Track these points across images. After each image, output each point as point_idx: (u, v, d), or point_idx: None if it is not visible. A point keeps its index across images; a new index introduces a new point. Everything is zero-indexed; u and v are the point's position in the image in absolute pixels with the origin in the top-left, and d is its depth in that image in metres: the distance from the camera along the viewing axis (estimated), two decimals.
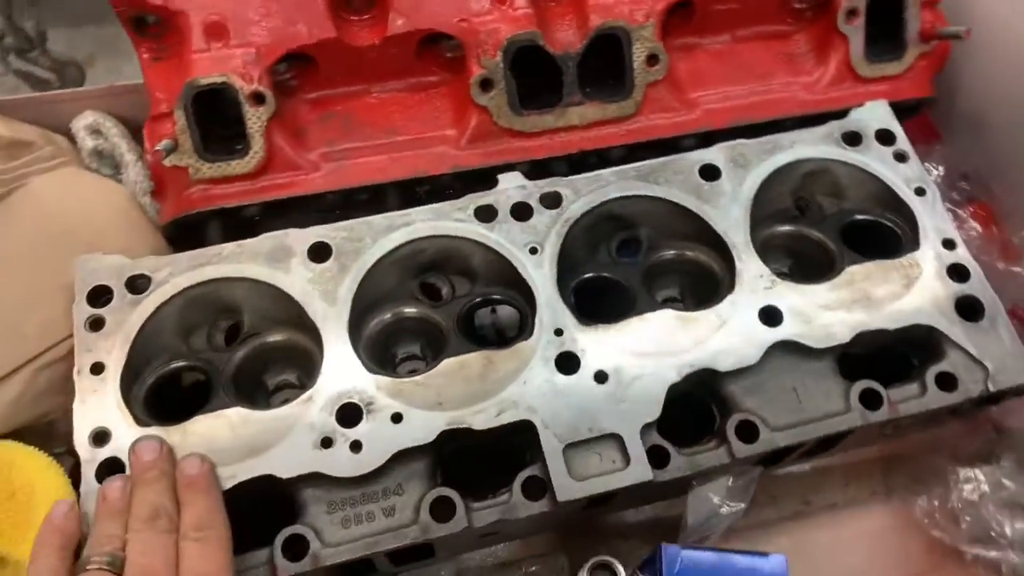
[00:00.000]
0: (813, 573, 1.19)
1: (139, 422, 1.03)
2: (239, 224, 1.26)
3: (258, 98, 1.17)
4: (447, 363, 1.07)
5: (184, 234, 1.28)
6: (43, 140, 1.33)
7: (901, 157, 1.26)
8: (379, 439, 1.01)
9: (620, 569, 1.18)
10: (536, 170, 1.27)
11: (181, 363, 1.12)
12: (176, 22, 1.16)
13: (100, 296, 1.10)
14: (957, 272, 1.17)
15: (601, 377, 1.07)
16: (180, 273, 1.11)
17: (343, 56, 1.21)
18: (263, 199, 1.21)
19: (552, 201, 1.18)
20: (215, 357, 1.12)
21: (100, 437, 1.01)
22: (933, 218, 1.21)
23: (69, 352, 1.11)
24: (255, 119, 1.17)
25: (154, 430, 1.02)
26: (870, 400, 1.09)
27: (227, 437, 1.02)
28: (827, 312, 1.12)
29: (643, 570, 1.15)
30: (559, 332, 1.10)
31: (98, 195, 1.31)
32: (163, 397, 1.11)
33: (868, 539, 1.28)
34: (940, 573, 1.24)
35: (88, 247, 1.19)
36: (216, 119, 1.20)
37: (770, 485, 1.31)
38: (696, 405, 1.13)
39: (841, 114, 1.29)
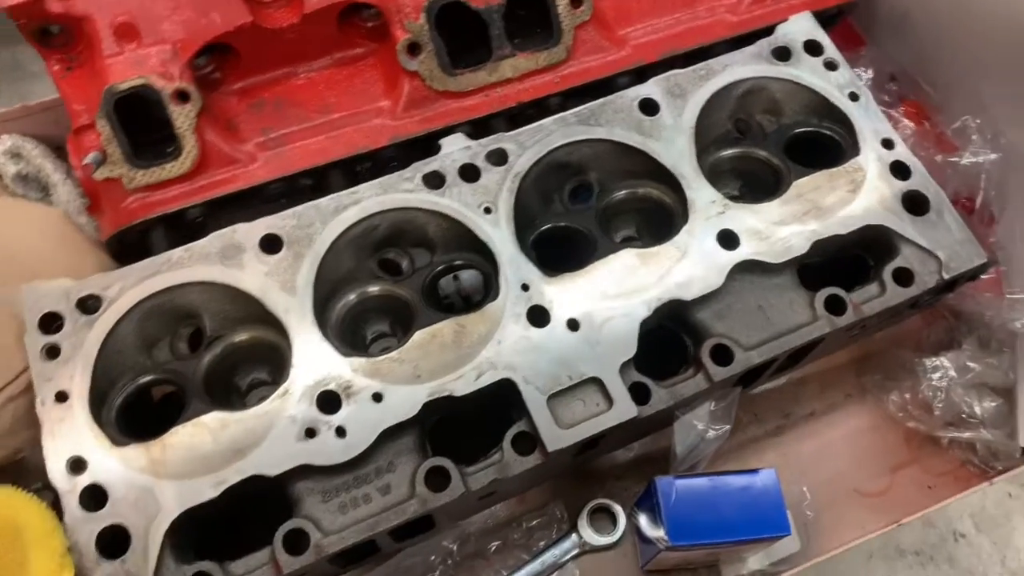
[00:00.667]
0: (802, 481, 1.24)
1: (115, 443, 1.00)
2: (184, 227, 1.23)
3: (182, 96, 1.13)
4: (419, 335, 1.07)
5: (128, 247, 1.24)
6: None
7: (831, 65, 1.27)
8: (363, 421, 1.01)
9: (618, 509, 1.20)
10: (477, 129, 1.26)
11: (148, 377, 1.09)
12: (82, 28, 1.11)
13: (52, 323, 1.06)
14: (899, 170, 1.19)
15: (573, 325, 1.07)
16: (131, 287, 1.08)
17: (263, 40, 1.17)
18: (204, 198, 1.18)
19: (498, 158, 1.17)
20: (182, 366, 1.10)
21: (77, 465, 0.99)
22: (869, 121, 1.23)
23: (29, 385, 1.08)
24: (183, 118, 1.13)
25: (132, 449, 1.00)
26: (834, 306, 1.11)
27: (209, 444, 1.00)
28: (781, 227, 1.14)
29: (640, 506, 1.18)
30: (525, 287, 1.10)
31: (31, 222, 1.26)
32: (136, 414, 1.08)
33: (849, 440, 1.32)
34: (920, 461, 1.30)
35: (30, 276, 1.15)
36: (142, 123, 1.15)
37: (750, 404, 1.34)
38: (669, 338, 1.15)
39: (768, 31, 1.29)
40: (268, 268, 1.09)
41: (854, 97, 1.25)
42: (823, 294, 1.12)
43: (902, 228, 1.15)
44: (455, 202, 1.14)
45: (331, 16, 1.19)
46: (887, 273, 1.14)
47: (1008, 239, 1.29)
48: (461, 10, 1.20)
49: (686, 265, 1.11)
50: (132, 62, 1.12)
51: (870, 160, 1.20)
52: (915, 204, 1.17)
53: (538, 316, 1.08)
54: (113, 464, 0.99)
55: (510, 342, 1.06)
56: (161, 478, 0.98)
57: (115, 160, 1.13)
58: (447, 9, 1.19)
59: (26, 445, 1.12)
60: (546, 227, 1.21)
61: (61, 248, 1.25)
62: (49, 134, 1.34)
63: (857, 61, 1.49)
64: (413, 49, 1.20)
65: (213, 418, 1.02)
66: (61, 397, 1.02)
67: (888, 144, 1.21)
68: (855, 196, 1.17)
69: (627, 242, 1.26)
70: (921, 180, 1.18)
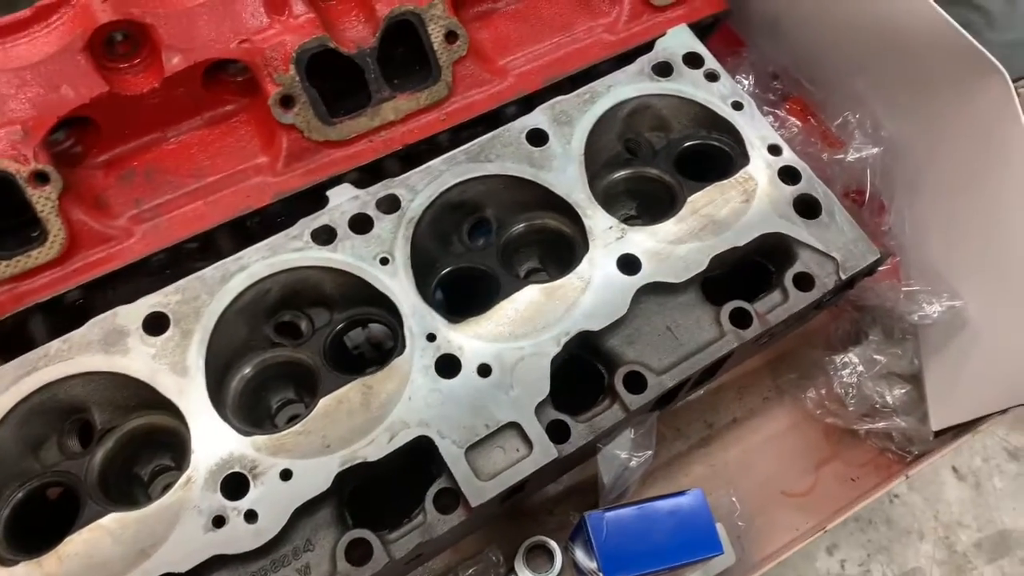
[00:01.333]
0: (731, 490, 1.24)
1: (4, 563, 0.93)
2: (63, 312, 1.15)
3: (40, 177, 1.05)
4: (324, 402, 1.02)
5: (6, 339, 1.15)
6: None
7: (712, 76, 1.28)
8: (273, 502, 0.96)
9: (554, 546, 1.19)
10: (368, 175, 1.22)
11: (36, 483, 1.02)
12: None
13: None
14: (788, 175, 1.21)
15: (484, 370, 1.05)
16: (7, 388, 1.00)
17: (123, 109, 1.11)
18: (78, 283, 1.10)
19: (390, 205, 1.13)
20: (72, 465, 1.03)
21: None
22: (755, 128, 1.25)
23: None
24: (43, 200, 1.06)
25: (23, 567, 0.92)
26: (740, 319, 1.12)
27: (109, 548, 0.94)
28: (680, 245, 1.14)
29: (574, 540, 1.16)
30: (431, 337, 1.06)
31: None
32: (27, 523, 1.01)
33: (772, 442, 1.34)
34: (841, 455, 1.32)
35: None
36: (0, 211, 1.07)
37: (672, 419, 1.34)
38: (581, 366, 1.13)
39: (648, 47, 1.30)
40: (155, 350, 1.03)
41: (738, 106, 1.26)
42: (728, 308, 1.12)
43: (797, 233, 1.16)
44: (349, 256, 1.10)
45: (195, 76, 1.13)
46: (788, 279, 1.15)
47: (899, 228, 1.33)
48: (332, 57, 1.16)
49: (590, 295, 1.10)
50: None
51: (760, 168, 1.21)
52: (807, 208, 1.19)
53: (448, 366, 1.05)
54: None
55: (421, 396, 1.03)
56: None
57: None
58: (317, 58, 1.15)
59: None
60: (447, 270, 1.18)
61: None
62: None
63: (739, 64, 1.52)
64: (286, 102, 1.15)
65: (111, 520, 0.95)
66: None
67: (775, 150, 1.23)
68: (749, 206, 1.18)
69: (532, 275, 1.25)
70: (810, 183, 1.20)
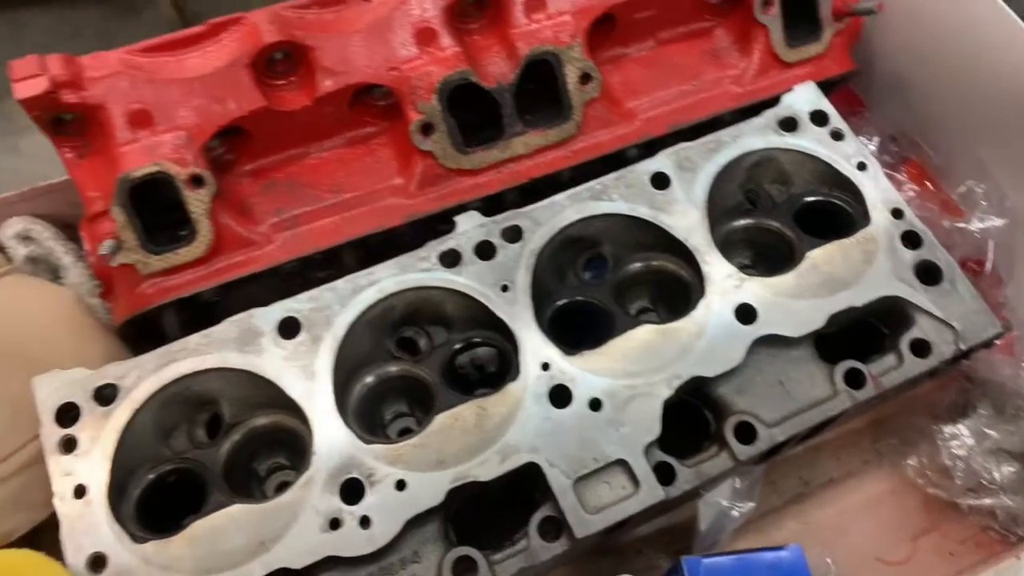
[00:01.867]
0: (825, 551, 1.22)
1: (135, 539, 0.99)
2: (196, 309, 1.22)
3: (197, 181, 1.13)
4: (440, 419, 1.06)
5: (139, 330, 1.23)
6: None
7: (837, 135, 1.29)
8: (387, 510, 0.99)
9: None
10: (489, 205, 1.26)
11: (166, 467, 1.08)
12: (96, 116, 1.12)
13: (67, 413, 1.05)
14: (910, 239, 1.21)
15: (595, 404, 1.07)
16: (148, 375, 1.07)
17: (275, 123, 1.18)
18: (219, 282, 1.17)
19: (513, 235, 1.17)
20: (201, 455, 1.08)
21: (97, 562, 0.97)
22: (878, 190, 1.25)
23: (17, 471, 1.08)
24: (197, 203, 1.13)
25: (152, 545, 0.98)
26: (854, 379, 1.12)
27: (233, 537, 0.99)
28: (798, 300, 1.15)
29: None
30: (546, 366, 1.09)
31: (43, 302, 1.25)
32: (154, 505, 1.06)
33: (869, 506, 1.32)
34: (941, 527, 1.29)
35: (37, 357, 1.14)
36: (156, 208, 1.15)
37: (768, 471, 1.33)
38: (689, 411, 1.14)
39: (773, 102, 1.31)
40: (287, 353, 1.08)
41: (862, 167, 1.27)
42: (842, 368, 1.12)
43: (916, 298, 1.16)
44: (472, 280, 1.14)
45: (344, 98, 1.20)
46: (904, 344, 1.15)
47: (1018, 302, 1.31)
48: (472, 90, 1.22)
49: (705, 341, 1.11)
50: (146, 149, 1.12)
51: (881, 230, 1.21)
52: (928, 274, 1.18)
53: (560, 396, 1.07)
54: (134, 562, 0.97)
55: (532, 423, 1.06)
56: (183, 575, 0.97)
57: (130, 247, 1.13)
58: (458, 90, 1.20)
59: (21, 527, 1.09)
60: (562, 302, 1.21)
61: (71, 330, 1.24)
62: (58, 214, 1.34)
63: (859, 124, 1.52)
64: (426, 129, 1.20)
65: (237, 510, 1.00)
66: (79, 492, 1.00)
67: (898, 213, 1.23)
68: (869, 267, 1.18)
69: (642, 314, 1.27)
70: (932, 249, 1.20)
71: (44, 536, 1.01)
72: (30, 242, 1.28)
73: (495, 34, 1.24)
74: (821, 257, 1.19)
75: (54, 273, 1.29)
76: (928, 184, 1.50)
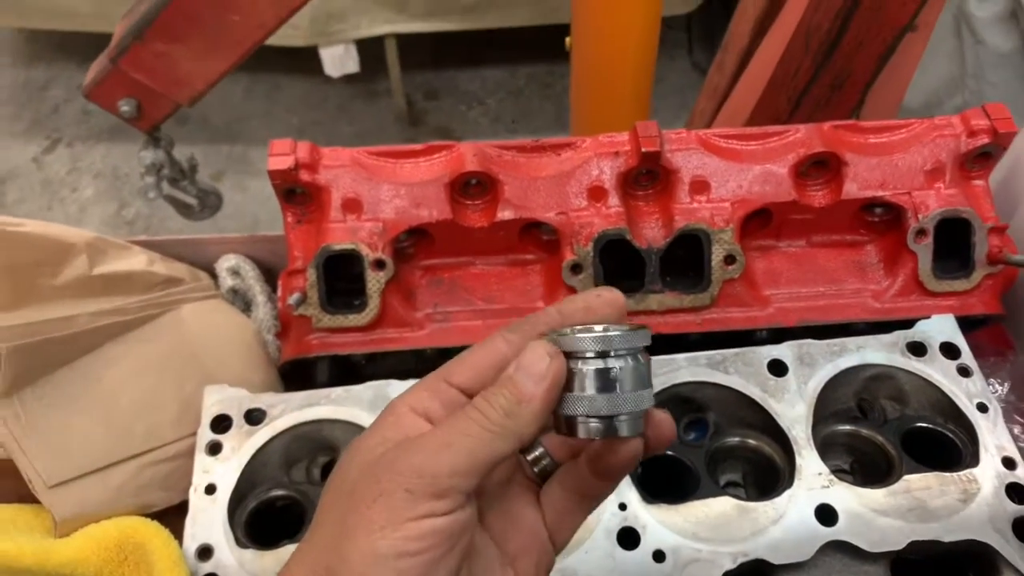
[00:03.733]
0: None
1: (239, 543, 1.16)
2: (345, 366, 1.42)
3: (380, 264, 1.35)
4: None
5: (295, 370, 1.44)
6: (190, 276, 1.55)
7: (965, 372, 1.32)
8: None
9: None
10: None
11: (280, 492, 1.25)
12: (319, 196, 1.37)
13: (221, 423, 1.26)
14: (1016, 493, 1.20)
15: (659, 556, 1.14)
16: (292, 410, 1.27)
17: (456, 234, 1.39)
18: (372, 350, 1.37)
19: None
20: (310, 489, 1.25)
21: (205, 552, 1.14)
22: (994, 436, 1.26)
23: (171, 457, 1.27)
24: (375, 282, 1.35)
25: (250, 553, 1.14)
26: None
27: None
28: (883, 517, 1.17)
29: None
30: (623, 507, 1.18)
31: (231, 328, 1.50)
32: (261, 520, 1.24)
33: None
34: None
35: (211, 370, 1.38)
36: (341, 277, 1.38)
37: None
38: None
39: (908, 324, 1.37)
40: None
41: (983, 408, 1.28)
42: None
43: (1008, 552, 1.14)
44: None
45: (515, 227, 1.39)
46: None
47: None
48: (625, 245, 1.37)
49: (780, 529, 1.16)
50: (348, 230, 1.35)
51: (988, 475, 1.21)
52: None
53: (628, 538, 1.15)
54: (232, 562, 1.14)
55: (596, 556, 1.14)
56: None
57: (312, 302, 1.35)
58: (612, 243, 1.37)
59: (159, 504, 1.25)
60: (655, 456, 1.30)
61: (244, 357, 1.47)
62: (262, 259, 1.61)
63: (1000, 365, 1.52)
64: (576, 269, 1.37)
65: None
66: (210, 490, 1.19)
67: (1009, 463, 1.23)
68: (964, 507, 1.18)
69: (730, 486, 1.33)
70: None
71: (170, 517, 1.20)
72: (237, 276, 1.55)
73: (658, 204, 1.40)
74: (918, 483, 1.21)
75: (247, 305, 1.55)
76: None
